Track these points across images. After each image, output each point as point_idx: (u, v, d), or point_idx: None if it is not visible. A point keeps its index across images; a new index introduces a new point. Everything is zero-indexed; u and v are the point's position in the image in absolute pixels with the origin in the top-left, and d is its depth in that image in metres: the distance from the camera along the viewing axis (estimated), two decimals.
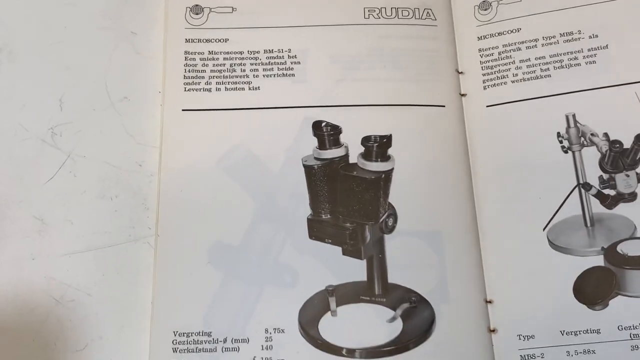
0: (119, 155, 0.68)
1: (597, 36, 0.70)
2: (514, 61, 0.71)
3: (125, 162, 0.67)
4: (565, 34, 0.71)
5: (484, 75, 0.71)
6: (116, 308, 0.62)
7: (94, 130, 0.68)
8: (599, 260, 0.63)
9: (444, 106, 0.69)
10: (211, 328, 0.62)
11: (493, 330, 0.62)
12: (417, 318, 0.62)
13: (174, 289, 0.63)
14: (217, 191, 0.66)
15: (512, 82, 0.70)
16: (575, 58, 0.69)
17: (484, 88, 0.70)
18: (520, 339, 0.61)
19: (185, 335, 0.62)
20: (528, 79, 0.70)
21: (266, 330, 0.62)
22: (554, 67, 0.70)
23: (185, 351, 0.61)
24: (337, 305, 0.62)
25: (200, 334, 0.62)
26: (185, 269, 0.63)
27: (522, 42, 0.71)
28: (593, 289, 0.62)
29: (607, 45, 0.69)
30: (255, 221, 0.65)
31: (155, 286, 0.63)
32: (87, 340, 0.62)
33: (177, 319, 0.62)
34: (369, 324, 0.62)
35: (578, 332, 0.61)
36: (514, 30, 0.72)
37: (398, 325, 0.62)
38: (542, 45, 0.71)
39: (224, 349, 0.61)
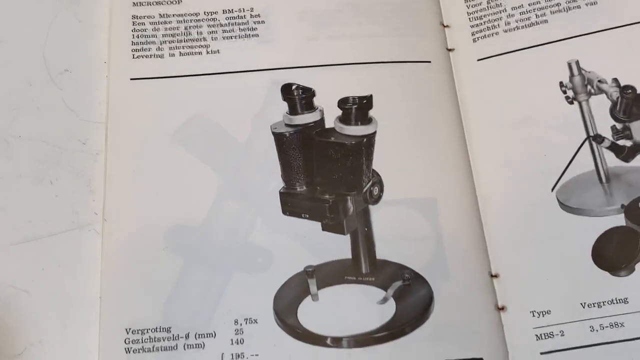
0: (60, 134, 0.62)
1: None
2: (504, 9, 0.66)
3: (67, 141, 0.61)
4: None
5: (472, 27, 0.66)
6: (58, 306, 0.56)
7: (30, 108, 0.63)
8: (619, 220, 0.57)
9: (429, 62, 0.64)
10: (170, 323, 0.54)
11: (502, 308, 0.55)
12: (412, 298, 0.56)
13: (125, 280, 0.56)
14: (173, 167, 0.60)
15: (505, 31, 0.65)
16: (574, 0, 0.63)
17: (474, 41, 0.65)
18: (534, 315, 0.55)
19: (140, 332, 0.54)
20: (522, 27, 0.64)
21: (236, 322, 0.55)
22: (551, 11, 0.64)
23: (140, 350, 0.54)
24: (318, 288, 0.56)
25: (158, 330, 0.54)
26: (138, 256, 0.56)
27: None
28: (615, 253, 0.56)
29: None
30: (220, 198, 0.59)
31: (104, 278, 0.56)
32: (25, 344, 0.54)
33: (130, 314, 0.55)
34: (357, 307, 0.56)
35: (602, 304, 0.54)
36: None
37: (390, 307, 0.56)
38: None
39: (186, 346, 0.54)
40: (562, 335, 0.53)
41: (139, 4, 0.66)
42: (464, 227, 0.58)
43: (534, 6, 0.64)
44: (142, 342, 0.53)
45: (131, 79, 0.62)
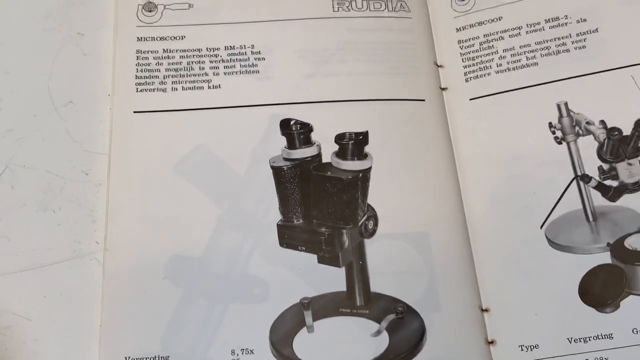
0: (63, 164, 0.62)
1: (585, 20, 0.65)
2: (496, 51, 0.67)
3: (70, 171, 0.62)
4: (550, 20, 0.66)
5: (465, 67, 0.67)
6: (59, 333, 0.56)
7: (35, 138, 0.63)
8: (605, 258, 0.58)
9: (423, 100, 0.65)
10: (169, 352, 0.55)
11: (491, 342, 0.56)
12: (405, 330, 0.56)
13: (125, 309, 0.56)
14: (174, 198, 0.61)
15: (497, 72, 0.66)
16: (564, 44, 0.65)
17: (466, 80, 0.66)
18: (522, 349, 0.56)
19: None
20: (513, 69, 0.66)
21: (232, 352, 0.55)
22: (541, 54, 0.65)
23: None
24: (313, 320, 0.57)
25: (157, 359, 0.55)
26: (139, 286, 0.57)
27: (505, 31, 0.67)
28: (601, 290, 0.57)
29: (596, 29, 0.65)
30: (219, 229, 0.60)
31: (104, 307, 0.57)
32: None
33: (129, 342, 0.55)
34: (351, 339, 0.56)
35: (588, 339, 0.55)
36: (495, 19, 0.68)
37: (384, 339, 0.56)
38: (527, 32, 0.67)
39: None
40: None
41: (143, 39, 0.66)
42: (455, 262, 0.59)
43: (525, 49, 0.66)
44: None
45: (134, 112, 0.63)
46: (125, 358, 0.55)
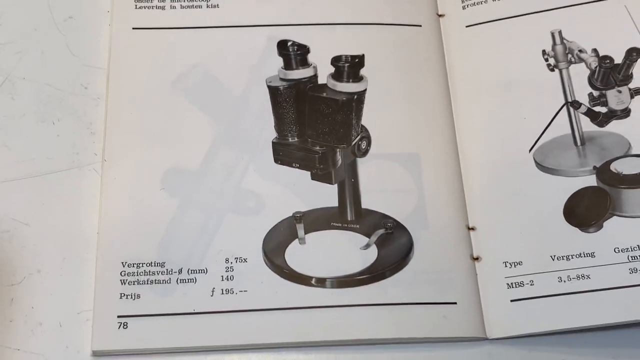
0: (63, 77, 0.63)
1: None
2: None
3: (69, 85, 0.63)
4: None
5: None
6: (57, 239, 0.57)
7: (35, 51, 0.64)
8: (591, 181, 0.59)
9: (420, 26, 0.66)
10: (165, 258, 0.56)
11: (476, 258, 0.57)
12: (394, 245, 0.57)
13: (123, 217, 0.57)
14: (172, 114, 0.61)
15: (493, 0, 0.65)
16: None
17: (463, 8, 0.67)
18: (506, 266, 0.57)
19: (135, 266, 0.56)
20: None
21: (227, 260, 0.56)
22: None
23: (135, 283, 0.55)
24: (305, 233, 0.58)
25: (153, 264, 0.56)
26: (136, 195, 0.58)
27: None
28: (585, 211, 0.58)
29: None
30: (216, 145, 0.60)
31: (102, 215, 0.57)
32: (25, 274, 0.56)
33: (126, 249, 0.56)
34: (341, 251, 0.57)
35: (570, 257, 0.56)
36: None
37: (373, 252, 0.57)
38: None
39: (179, 281, 0.55)
40: (532, 284, 0.56)
41: None
42: (444, 182, 0.60)
43: None
44: (138, 275, 0.55)
45: (133, 28, 0.64)
46: (122, 263, 0.56)
